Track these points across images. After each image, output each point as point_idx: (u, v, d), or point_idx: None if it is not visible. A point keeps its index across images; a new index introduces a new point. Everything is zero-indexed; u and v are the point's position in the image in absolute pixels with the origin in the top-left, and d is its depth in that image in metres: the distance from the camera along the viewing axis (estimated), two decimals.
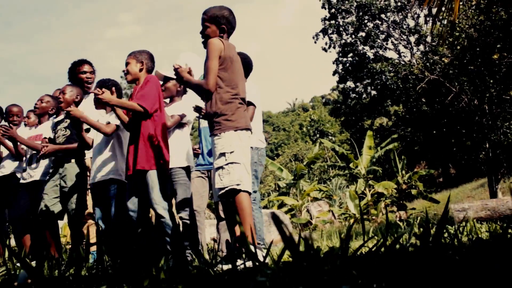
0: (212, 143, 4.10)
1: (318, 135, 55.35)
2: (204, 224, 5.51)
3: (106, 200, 5.13)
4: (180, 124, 5.28)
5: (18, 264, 3.39)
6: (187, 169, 5.23)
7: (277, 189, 28.18)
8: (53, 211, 5.49)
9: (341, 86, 29.44)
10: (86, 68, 6.25)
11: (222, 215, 5.39)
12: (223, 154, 3.94)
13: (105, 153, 5.22)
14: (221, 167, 3.93)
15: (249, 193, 3.94)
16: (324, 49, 27.41)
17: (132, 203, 4.59)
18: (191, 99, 5.42)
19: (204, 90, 4.08)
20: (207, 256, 4.58)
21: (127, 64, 4.86)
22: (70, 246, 5.76)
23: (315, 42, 27.60)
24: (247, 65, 5.02)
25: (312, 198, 20.60)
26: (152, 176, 4.47)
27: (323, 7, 27.08)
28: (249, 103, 4.78)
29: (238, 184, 3.87)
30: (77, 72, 6.22)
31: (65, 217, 5.71)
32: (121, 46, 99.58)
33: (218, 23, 4.24)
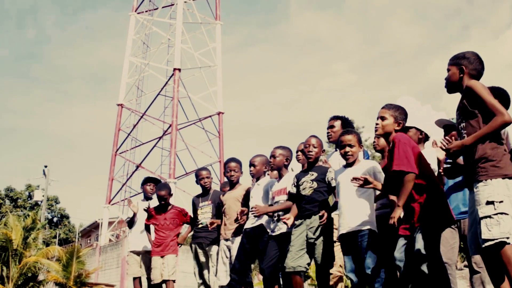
0: (475, 189, 3.87)
1: None
2: (455, 277, 5.31)
3: (357, 251, 5.10)
4: None
5: None
6: None
7: None
8: (299, 263, 5.54)
9: None
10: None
11: (475, 268, 5.17)
12: (491, 203, 3.74)
13: (358, 202, 5.18)
14: (489, 217, 3.72)
15: None
16: None
17: (399, 253, 4.52)
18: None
19: (503, 123, 3.79)
20: None
21: (383, 118, 4.74)
22: None
23: None
24: (506, 100, 4.64)
25: None
26: (424, 233, 4.36)
27: None
28: None
29: (507, 237, 3.65)
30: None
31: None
32: (336, 95, 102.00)
33: (475, 70, 4.16)
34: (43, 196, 40.61)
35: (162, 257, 7.64)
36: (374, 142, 6.01)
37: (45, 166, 39.40)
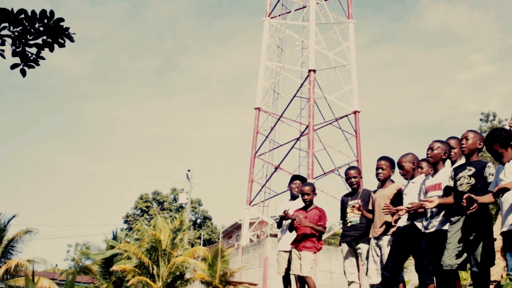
0: None
1: None
2: None
3: None
4: None
5: None
6: None
7: None
8: (457, 261, 5.41)
9: None
10: None
11: None
12: None
13: None
14: None
15: None
16: None
17: None
18: None
19: None
20: None
21: None
22: None
23: None
24: None
25: None
26: None
27: None
28: None
29: None
30: None
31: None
32: (473, 88, 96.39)
33: None
34: (187, 199, 42.50)
35: (299, 251, 7.73)
36: None
37: (188, 170, 41.27)
